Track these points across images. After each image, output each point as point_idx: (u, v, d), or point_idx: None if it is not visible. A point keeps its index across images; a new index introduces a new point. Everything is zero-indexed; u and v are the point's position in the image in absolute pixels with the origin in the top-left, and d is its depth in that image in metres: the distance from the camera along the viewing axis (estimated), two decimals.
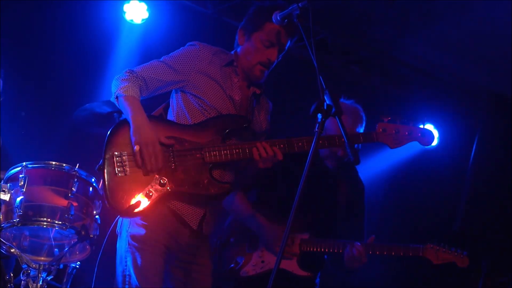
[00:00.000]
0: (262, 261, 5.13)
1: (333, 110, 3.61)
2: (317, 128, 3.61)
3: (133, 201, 4.14)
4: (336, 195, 5.24)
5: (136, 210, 4.15)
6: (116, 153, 4.21)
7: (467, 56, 7.64)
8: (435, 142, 7.60)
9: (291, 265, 5.08)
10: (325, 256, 5.25)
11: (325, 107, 3.60)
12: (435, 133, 7.93)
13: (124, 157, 4.20)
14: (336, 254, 5.05)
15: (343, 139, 3.89)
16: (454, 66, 7.91)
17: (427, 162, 7.90)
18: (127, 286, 4.23)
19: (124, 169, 4.19)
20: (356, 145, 4.70)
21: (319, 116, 3.60)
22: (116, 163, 4.19)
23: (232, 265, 5.19)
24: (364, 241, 5.01)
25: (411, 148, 7.68)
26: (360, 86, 8.23)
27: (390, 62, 8.17)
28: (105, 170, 4.19)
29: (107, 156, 4.22)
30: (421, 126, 4.55)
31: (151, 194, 4.17)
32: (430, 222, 7.89)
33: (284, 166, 4.91)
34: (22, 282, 4.45)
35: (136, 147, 4.15)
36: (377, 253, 4.94)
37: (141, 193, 4.16)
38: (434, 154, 7.81)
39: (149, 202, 4.17)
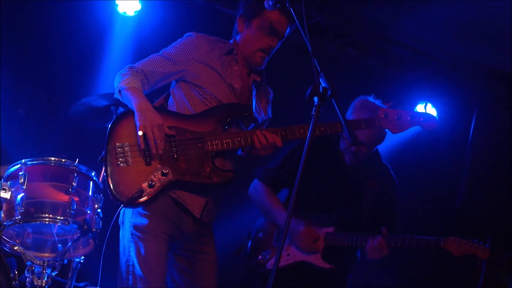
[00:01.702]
0: (288, 254, 5.19)
1: (329, 92, 3.60)
2: (314, 112, 3.60)
3: (136, 191, 4.17)
4: (363, 190, 5.25)
5: (139, 200, 4.18)
6: (117, 144, 4.25)
7: (462, 34, 7.62)
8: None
9: (314, 258, 5.11)
10: (358, 253, 5.26)
11: (321, 90, 3.59)
12: (434, 112, 7.92)
13: (126, 148, 4.24)
14: (360, 248, 5.07)
15: (347, 121, 3.89)
16: (450, 45, 7.90)
17: (426, 142, 7.90)
18: (130, 276, 4.27)
19: (126, 159, 4.22)
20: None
21: (316, 99, 3.59)
22: (118, 154, 4.23)
23: (259, 257, 5.24)
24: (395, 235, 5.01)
25: (409, 129, 7.71)
26: (357, 69, 8.22)
27: (386, 43, 8.16)
28: (107, 161, 4.23)
29: (109, 147, 4.26)
30: (423, 111, 4.56)
31: (153, 184, 4.20)
32: (432, 201, 7.90)
33: (311, 164, 4.97)
34: (27, 279, 4.45)
35: (140, 132, 4.18)
36: (398, 245, 4.94)
37: (143, 183, 4.20)
38: (433, 133, 7.80)
39: (152, 191, 4.20)
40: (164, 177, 4.23)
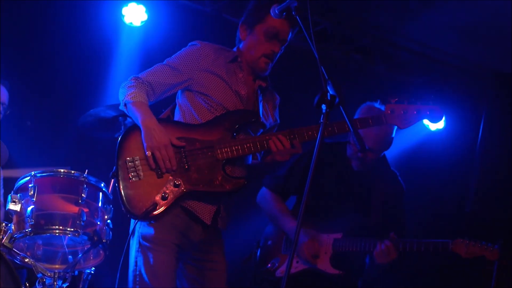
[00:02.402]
0: (297, 261, 5.18)
1: (337, 100, 3.60)
2: (322, 119, 3.60)
3: (150, 205, 4.18)
4: (371, 196, 5.25)
5: (154, 213, 4.19)
6: (128, 158, 4.25)
7: (468, 38, 7.62)
8: (442, 123, 7.58)
9: (323, 264, 5.11)
10: (367, 259, 5.25)
11: (328, 98, 3.59)
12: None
13: (136, 162, 4.24)
14: (369, 253, 5.07)
15: (356, 128, 3.88)
16: (456, 48, 7.89)
17: (435, 146, 7.89)
18: (137, 286, 4.25)
19: (137, 173, 4.22)
20: None
21: (323, 107, 3.59)
22: (129, 168, 4.23)
23: (269, 265, 5.25)
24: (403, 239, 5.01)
25: (418, 133, 7.71)
26: (363, 74, 8.22)
27: (392, 48, 8.16)
28: (119, 177, 4.23)
29: (120, 162, 4.26)
30: (429, 104, 4.55)
31: (167, 196, 4.20)
32: (441, 205, 7.88)
33: (318, 171, 4.97)
34: None
35: (148, 153, 4.20)
36: (407, 249, 4.93)
37: (157, 196, 4.20)
38: (441, 137, 7.80)
39: (165, 204, 4.20)
40: (177, 189, 4.23)
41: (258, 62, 4.53)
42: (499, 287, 6.03)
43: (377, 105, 5.22)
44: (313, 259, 5.11)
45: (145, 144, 4.22)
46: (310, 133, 4.36)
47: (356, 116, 5.23)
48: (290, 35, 4.52)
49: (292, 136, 4.35)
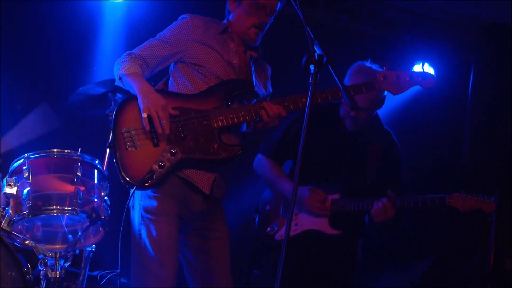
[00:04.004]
0: (296, 224, 5.21)
1: (325, 59, 3.60)
2: (311, 80, 3.60)
3: (146, 173, 4.22)
4: (366, 156, 5.26)
5: (151, 181, 4.23)
6: (124, 128, 4.30)
7: None
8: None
9: (322, 225, 5.14)
10: (366, 219, 5.27)
11: (316, 58, 3.59)
12: (431, 71, 7.90)
13: (132, 132, 4.28)
14: (367, 212, 5.08)
15: (346, 86, 3.89)
16: (441, 2, 7.85)
17: (426, 101, 7.88)
18: (143, 258, 4.31)
19: (134, 143, 4.27)
20: None
21: (312, 67, 3.60)
22: (126, 138, 4.28)
23: (268, 230, 5.28)
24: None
25: (408, 90, 7.69)
26: (350, 35, 8.18)
27: (377, 6, 8.11)
28: (116, 147, 4.28)
29: (116, 133, 4.31)
30: (422, 70, 4.58)
31: (163, 164, 4.25)
32: (437, 160, 7.90)
33: (312, 133, 4.97)
34: (41, 272, 4.46)
35: (144, 114, 4.22)
36: (404, 205, 4.95)
37: (153, 165, 4.24)
38: (432, 92, 7.78)
39: (162, 172, 4.25)
40: (173, 157, 4.27)
41: (248, 33, 4.55)
42: (499, 237, 6.07)
43: (368, 64, 5.22)
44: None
45: (141, 106, 4.25)
46: (304, 100, 4.38)
47: (347, 76, 5.25)
48: (279, 5, 4.52)
49: (286, 104, 4.39)
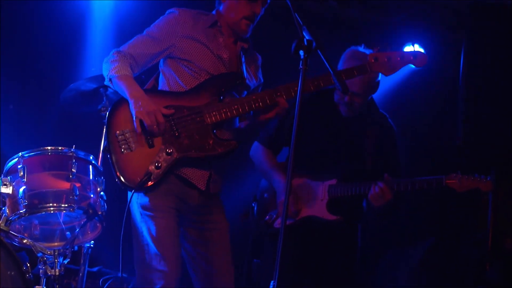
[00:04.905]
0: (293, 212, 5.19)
1: (314, 44, 3.60)
2: (302, 65, 3.60)
3: (144, 175, 4.22)
4: (362, 141, 5.25)
5: (149, 183, 4.23)
6: (118, 132, 4.29)
7: None
8: None
9: (320, 211, 5.14)
10: (364, 204, 5.28)
11: (305, 43, 3.59)
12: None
13: (127, 135, 4.27)
14: (364, 196, 5.08)
15: (336, 70, 3.89)
16: None
17: (418, 83, 7.87)
18: (146, 255, 4.33)
19: (129, 146, 4.26)
20: None
21: (301, 53, 3.59)
22: (120, 141, 4.27)
23: (267, 218, 5.28)
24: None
25: (400, 71, 7.67)
26: (340, 20, 8.17)
27: None
28: (111, 151, 4.27)
29: (110, 137, 4.30)
30: (412, 49, 4.58)
31: (160, 165, 4.25)
32: (431, 142, 7.90)
33: (308, 120, 5.06)
34: (41, 270, 4.46)
35: (137, 121, 4.22)
36: (401, 188, 4.94)
37: (150, 166, 4.24)
38: (424, 73, 7.78)
39: (159, 173, 4.24)
40: (169, 157, 4.27)
41: (239, 24, 4.53)
42: (498, 218, 6.08)
43: (361, 49, 5.21)
44: (295, 214, 5.15)
45: (133, 112, 4.24)
46: (296, 88, 4.37)
47: (340, 62, 5.24)
48: None
49: (278, 94, 4.37)
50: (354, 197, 5.12)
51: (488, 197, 6.11)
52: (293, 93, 4.36)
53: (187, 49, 4.48)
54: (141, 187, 4.24)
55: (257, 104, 4.35)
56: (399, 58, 4.56)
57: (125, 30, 4.54)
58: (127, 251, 4.39)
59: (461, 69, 7.77)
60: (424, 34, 7.98)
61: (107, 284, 6.04)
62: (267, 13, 4.63)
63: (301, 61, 3.59)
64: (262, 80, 4.80)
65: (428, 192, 5.19)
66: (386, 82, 5.33)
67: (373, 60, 4.53)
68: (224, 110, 4.36)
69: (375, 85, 5.21)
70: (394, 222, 7.02)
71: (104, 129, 4.42)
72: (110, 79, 4.39)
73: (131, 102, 4.27)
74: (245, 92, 4.63)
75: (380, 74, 5.12)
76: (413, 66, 4.63)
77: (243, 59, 4.64)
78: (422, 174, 5.01)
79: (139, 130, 4.23)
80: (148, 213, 4.35)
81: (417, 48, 7.70)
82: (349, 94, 5.07)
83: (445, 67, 7.95)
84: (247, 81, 4.59)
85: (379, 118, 5.37)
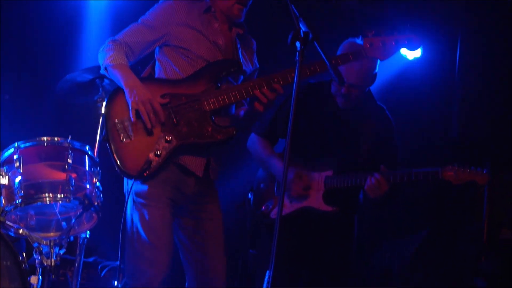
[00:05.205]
0: (290, 202, 5.20)
1: (310, 36, 3.60)
2: (298, 57, 3.60)
3: (143, 163, 4.24)
4: (359, 132, 5.26)
5: (148, 171, 4.25)
6: (116, 121, 4.30)
7: None
8: (420, 51, 7.56)
9: (316, 202, 5.14)
10: (361, 195, 5.28)
11: (302, 35, 3.59)
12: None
13: (125, 123, 4.29)
14: (361, 187, 5.09)
15: (333, 62, 3.90)
16: None
17: (414, 75, 7.88)
18: (136, 243, 4.33)
19: (128, 134, 4.27)
20: None
21: (298, 44, 3.59)
22: (119, 130, 4.28)
23: (263, 208, 5.28)
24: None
25: (396, 63, 7.69)
26: (337, 12, 8.16)
27: None
28: (110, 140, 4.28)
29: (109, 125, 4.31)
30: (406, 33, 4.58)
31: (159, 153, 4.26)
32: (427, 133, 7.91)
33: (305, 111, 5.10)
34: (36, 260, 4.46)
35: (133, 111, 4.23)
36: (397, 180, 4.95)
37: (150, 154, 4.26)
38: (420, 65, 7.79)
39: (159, 160, 4.26)
40: (169, 144, 4.28)
41: (232, 9, 4.53)
42: (493, 208, 6.11)
43: (358, 41, 5.21)
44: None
45: (129, 101, 4.25)
46: (293, 74, 4.36)
47: (338, 52, 5.23)
48: None
49: (275, 80, 4.37)
50: (350, 188, 5.13)
51: (484, 188, 6.13)
52: (289, 79, 4.37)
53: (183, 36, 4.48)
54: (141, 175, 4.26)
55: (255, 91, 4.35)
56: (393, 43, 4.55)
57: (122, 20, 4.53)
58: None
59: (457, 60, 7.77)
60: (420, 26, 7.98)
61: (104, 271, 6.04)
62: (263, 4, 4.62)
63: (297, 53, 3.59)
64: (257, 65, 4.81)
65: (424, 184, 5.19)
66: (382, 73, 5.32)
67: (368, 45, 4.54)
68: (222, 97, 4.37)
69: (373, 77, 5.21)
70: (390, 214, 7.04)
71: (101, 119, 4.41)
72: (105, 68, 4.41)
73: (126, 91, 4.28)
74: (242, 78, 4.65)
75: (377, 66, 5.13)
76: (407, 49, 4.64)
77: (238, 45, 4.65)
78: (418, 166, 5.01)
79: (134, 119, 4.23)
80: (141, 200, 4.36)
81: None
82: (346, 86, 5.08)
83: (441, 59, 7.95)
84: (243, 66, 4.60)
85: (377, 110, 5.37)
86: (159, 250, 4.32)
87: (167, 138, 4.28)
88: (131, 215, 4.39)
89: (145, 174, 4.26)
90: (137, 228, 4.34)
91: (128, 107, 4.28)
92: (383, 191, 4.95)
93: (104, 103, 4.42)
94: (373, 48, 4.54)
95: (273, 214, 5.24)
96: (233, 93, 4.38)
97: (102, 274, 6.05)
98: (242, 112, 4.64)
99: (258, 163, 5.49)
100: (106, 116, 4.34)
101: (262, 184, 5.42)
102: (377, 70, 5.18)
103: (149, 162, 4.24)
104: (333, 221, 5.18)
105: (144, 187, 4.35)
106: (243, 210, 5.53)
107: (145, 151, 4.26)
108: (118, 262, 4.56)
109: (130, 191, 4.39)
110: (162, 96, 4.33)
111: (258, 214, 5.34)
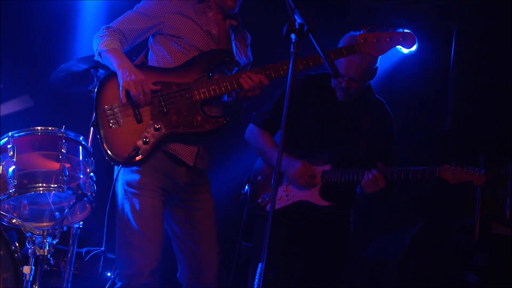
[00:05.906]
0: (287, 195, 5.20)
1: (306, 28, 3.59)
2: (293, 49, 3.60)
3: (131, 150, 4.25)
4: (358, 126, 5.25)
5: (136, 158, 4.27)
6: (106, 106, 4.31)
7: None
8: (415, 46, 7.56)
9: (313, 196, 5.14)
10: (357, 190, 5.28)
11: (297, 27, 3.58)
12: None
13: (115, 109, 4.29)
14: (358, 183, 5.09)
15: (327, 54, 3.90)
16: None
17: (409, 69, 7.88)
18: (127, 232, 4.33)
19: (117, 120, 4.28)
20: None
21: (293, 36, 3.59)
22: (109, 116, 4.29)
23: (259, 200, 5.28)
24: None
25: (391, 58, 7.69)
26: (332, 5, 8.15)
27: None
28: (99, 125, 4.28)
29: (98, 111, 4.32)
30: (401, 30, 4.57)
31: (148, 140, 4.27)
32: (421, 127, 7.91)
33: (304, 103, 5.09)
34: (29, 250, 4.46)
35: (123, 89, 4.25)
36: (394, 177, 4.95)
37: (138, 141, 4.27)
38: (415, 60, 7.79)
39: (147, 148, 4.27)
40: (157, 132, 4.29)
41: (225, 0, 4.53)
42: (484, 202, 6.10)
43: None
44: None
45: (120, 81, 4.26)
46: (285, 67, 4.38)
47: (339, 46, 5.21)
48: None
49: (267, 72, 4.39)
50: (347, 183, 5.13)
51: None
52: (282, 72, 4.38)
53: (176, 25, 4.49)
54: (128, 162, 4.27)
55: (248, 81, 4.34)
56: (388, 39, 4.56)
57: (117, 10, 4.53)
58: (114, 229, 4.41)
59: (452, 55, 7.76)
60: (415, 21, 7.98)
61: (88, 256, 6.02)
62: None
63: (292, 45, 3.58)
64: (251, 59, 4.82)
65: (420, 182, 5.18)
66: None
67: (362, 41, 4.54)
68: (213, 87, 4.37)
69: (373, 71, 5.19)
70: (384, 208, 7.04)
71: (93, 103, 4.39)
72: (99, 54, 4.43)
73: (119, 72, 4.29)
74: (235, 69, 4.65)
75: (378, 61, 5.12)
76: (402, 47, 4.63)
77: (232, 36, 4.65)
78: (412, 160, 5.04)
79: (124, 100, 4.24)
80: (132, 190, 4.37)
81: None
82: (347, 80, 5.06)
83: (436, 54, 7.95)
84: (236, 57, 4.61)
85: (376, 104, 5.36)
86: (150, 240, 4.33)
87: (156, 126, 4.28)
88: (122, 205, 4.40)
89: (132, 161, 4.26)
90: (128, 217, 4.35)
91: (119, 92, 4.28)
92: (379, 187, 4.94)
93: (96, 88, 4.43)
94: (367, 44, 4.55)
95: (269, 207, 5.23)
96: (224, 84, 4.38)
97: (86, 259, 6.03)
98: (229, 101, 4.63)
99: (258, 154, 5.48)
100: (96, 101, 4.35)
101: (259, 176, 5.41)
102: (377, 64, 5.16)
103: (137, 149, 4.25)
104: (329, 215, 5.18)
105: (135, 177, 4.35)
106: (239, 201, 5.53)
107: (133, 138, 4.27)
108: (103, 248, 4.57)
109: (117, 177, 4.40)
110: (154, 84, 4.34)
111: (254, 206, 5.33)
